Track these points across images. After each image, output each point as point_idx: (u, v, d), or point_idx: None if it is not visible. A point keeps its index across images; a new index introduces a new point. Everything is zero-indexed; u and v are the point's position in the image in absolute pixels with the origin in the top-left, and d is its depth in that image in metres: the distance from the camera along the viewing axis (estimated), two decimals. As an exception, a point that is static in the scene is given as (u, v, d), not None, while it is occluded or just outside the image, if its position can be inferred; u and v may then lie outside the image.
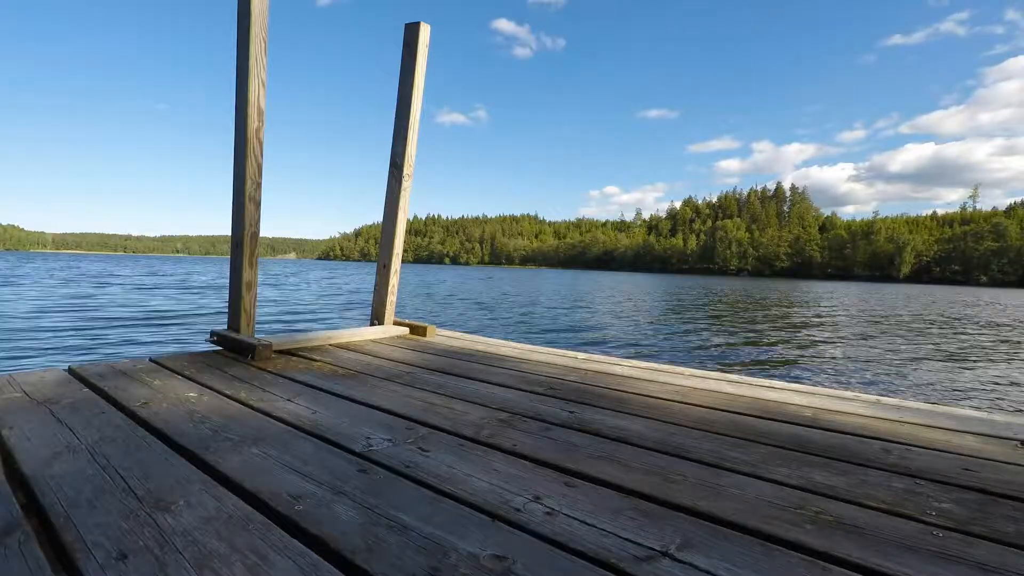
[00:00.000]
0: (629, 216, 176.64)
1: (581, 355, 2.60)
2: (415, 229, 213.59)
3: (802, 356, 8.00)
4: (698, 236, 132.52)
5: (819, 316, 15.42)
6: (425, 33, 2.78)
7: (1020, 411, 5.14)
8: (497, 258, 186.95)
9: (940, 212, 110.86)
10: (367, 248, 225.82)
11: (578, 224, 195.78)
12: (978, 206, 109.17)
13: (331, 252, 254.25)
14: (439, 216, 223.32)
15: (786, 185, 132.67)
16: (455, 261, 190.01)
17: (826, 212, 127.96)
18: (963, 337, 10.93)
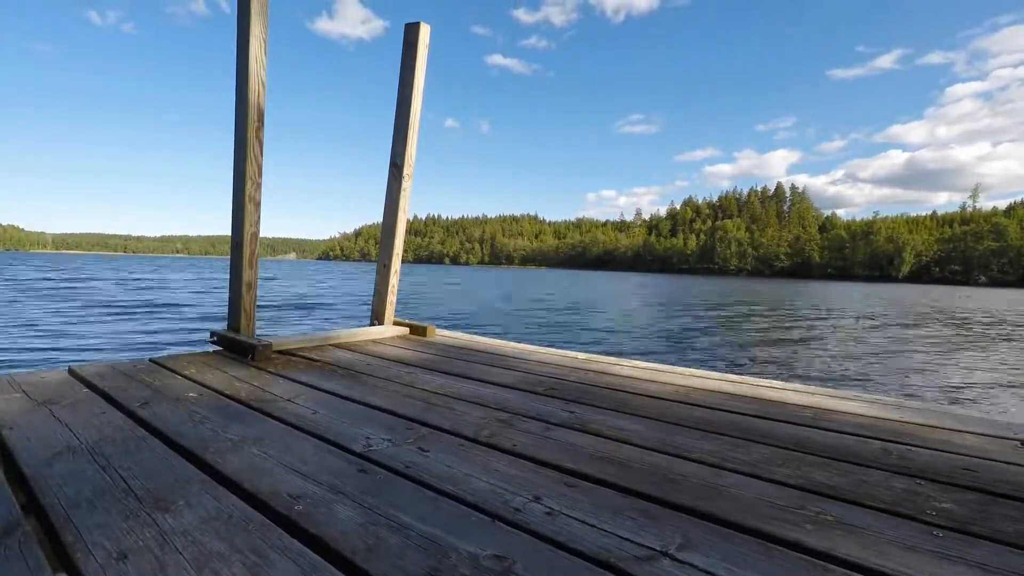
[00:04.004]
0: (628, 217, 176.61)
1: (581, 355, 2.60)
2: (415, 229, 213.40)
3: (802, 356, 8.00)
4: (698, 236, 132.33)
5: (819, 316, 15.42)
6: (425, 33, 2.78)
7: (1020, 411, 5.14)
8: (497, 258, 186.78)
9: (939, 213, 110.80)
10: (367, 248, 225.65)
11: (578, 224, 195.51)
12: (978, 206, 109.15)
13: (331, 252, 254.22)
14: (439, 216, 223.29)
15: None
16: (455, 261, 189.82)
17: (825, 213, 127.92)
18: (959, 335, 10.94)
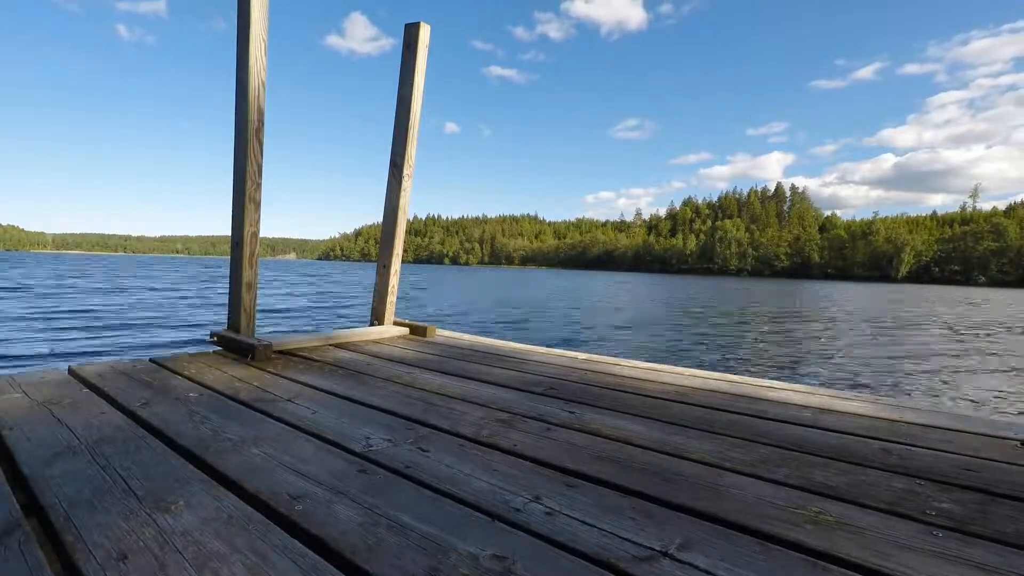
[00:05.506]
0: (626, 218, 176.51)
1: (581, 355, 2.60)
2: (415, 229, 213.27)
3: (802, 356, 8.00)
4: (698, 236, 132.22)
5: (818, 317, 15.43)
6: (425, 33, 2.78)
7: (1020, 411, 5.14)
8: (497, 258, 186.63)
9: (938, 213, 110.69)
10: (367, 248, 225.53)
11: (578, 224, 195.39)
12: (978, 206, 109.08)
13: (331, 252, 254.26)
14: (439, 216, 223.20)
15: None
16: (455, 261, 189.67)
17: (825, 213, 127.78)
18: (954, 334, 10.94)
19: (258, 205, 2.40)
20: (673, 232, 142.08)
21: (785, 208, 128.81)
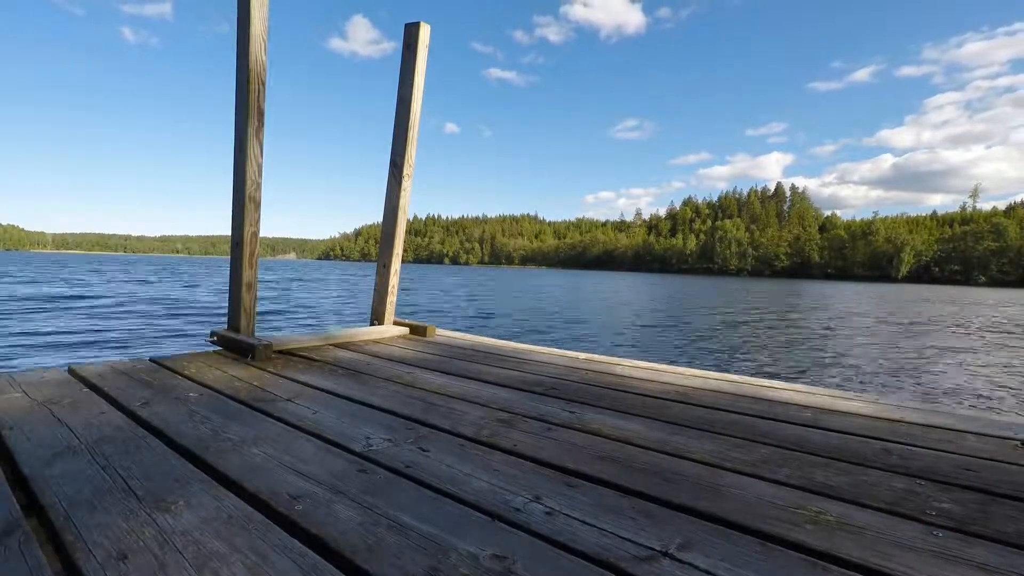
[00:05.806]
0: (626, 218, 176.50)
1: (582, 355, 2.60)
2: (415, 229, 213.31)
3: (802, 356, 8.00)
4: (698, 236, 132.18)
5: (819, 317, 15.42)
6: (425, 33, 2.78)
7: (1020, 411, 5.14)
8: (497, 258, 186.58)
9: (939, 213, 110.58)
10: (367, 248, 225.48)
11: (578, 224, 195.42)
12: (978, 206, 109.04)
13: (331, 252, 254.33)
14: (439, 216, 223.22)
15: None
16: (455, 261, 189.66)
17: (825, 213, 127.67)
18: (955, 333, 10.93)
19: (258, 205, 2.40)
20: (673, 232, 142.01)
21: (785, 208, 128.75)
